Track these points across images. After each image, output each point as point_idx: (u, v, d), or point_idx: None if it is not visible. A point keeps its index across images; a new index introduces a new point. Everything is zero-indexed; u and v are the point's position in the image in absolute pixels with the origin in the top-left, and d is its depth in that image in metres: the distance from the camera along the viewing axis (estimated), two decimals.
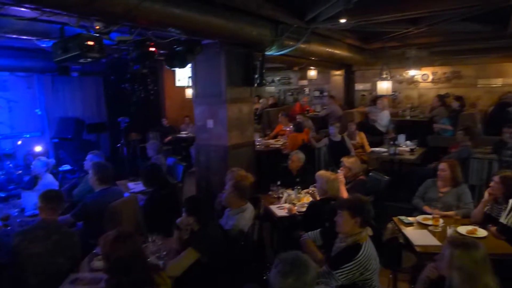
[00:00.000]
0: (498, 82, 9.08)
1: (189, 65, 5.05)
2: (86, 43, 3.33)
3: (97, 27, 3.55)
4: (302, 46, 5.85)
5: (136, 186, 4.96)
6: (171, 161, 5.81)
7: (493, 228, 3.24)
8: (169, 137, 8.96)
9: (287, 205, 3.98)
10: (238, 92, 5.35)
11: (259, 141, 7.27)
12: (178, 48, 4.46)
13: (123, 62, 5.65)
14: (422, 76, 9.93)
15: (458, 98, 8.28)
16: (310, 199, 4.12)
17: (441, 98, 8.55)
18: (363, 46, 8.15)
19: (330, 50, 7.03)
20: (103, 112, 8.89)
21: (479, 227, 3.27)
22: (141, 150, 7.65)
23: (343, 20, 4.61)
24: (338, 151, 5.93)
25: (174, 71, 7.89)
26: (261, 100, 10.92)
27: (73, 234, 2.98)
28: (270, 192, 4.46)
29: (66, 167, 7.12)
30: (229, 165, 4.85)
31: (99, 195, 3.74)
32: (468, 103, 8.78)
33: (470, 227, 3.24)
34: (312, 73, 10.84)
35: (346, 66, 10.20)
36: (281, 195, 4.28)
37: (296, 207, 3.92)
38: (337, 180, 3.67)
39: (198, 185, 5.64)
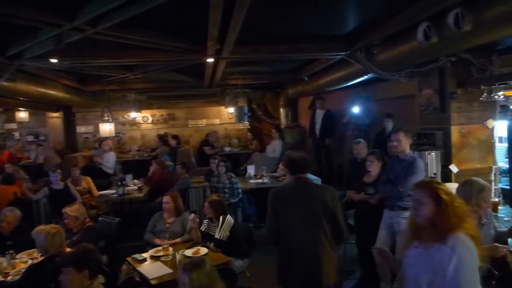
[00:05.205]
0: (203, 122, 11.03)
1: None
2: None
3: None
4: (5, 84, 5.08)
5: None
6: None
7: (211, 245, 3.84)
8: None
9: None
10: None
11: None
12: None
13: None
14: (143, 118, 10.66)
15: (175, 137, 9.41)
16: (30, 262, 3.50)
17: (162, 137, 9.47)
18: (81, 87, 7.93)
19: (42, 90, 6.42)
20: None
21: (201, 246, 3.79)
22: None
23: (54, 60, 4.34)
24: (61, 200, 5.35)
25: None
26: None
27: None
28: None
29: None
30: None
31: None
32: (183, 140, 10.12)
33: (194, 249, 3.70)
34: (23, 114, 9.44)
35: (65, 108, 9.59)
36: None
37: (10, 276, 3.23)
38: (59, 235, 3.30)
39: None
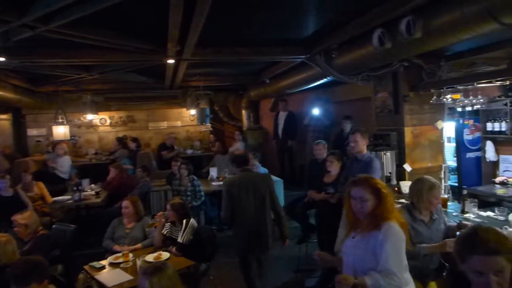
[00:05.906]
0: (164, 124, 10.80)
1: None
2: None
3: None
4: None
5: None
6: None
7: (173, 249, 3.76)
8: None
9: None
10: None
11: None
12: None
13: None
14: (100, 120, 10.25)
15: (135, 140, 9.15)
16: None
17: (121, 140, 9.15)
18: (32, 88, 7.51)
19: None
20: None
21: (163, 250, 3.70)
22: None
23: (1, 58, 4.08)
24: (11, 207, 5.01)
25: None
26: None
27: None
28: None
29: None
30: None
31: None
32: (143, 143, 9.85)
33: (155, 254, 3.59)
34: None
35: (14, 109, 9.00)
36: None
37: None
38: (10, 243, 3.11)
39: None
